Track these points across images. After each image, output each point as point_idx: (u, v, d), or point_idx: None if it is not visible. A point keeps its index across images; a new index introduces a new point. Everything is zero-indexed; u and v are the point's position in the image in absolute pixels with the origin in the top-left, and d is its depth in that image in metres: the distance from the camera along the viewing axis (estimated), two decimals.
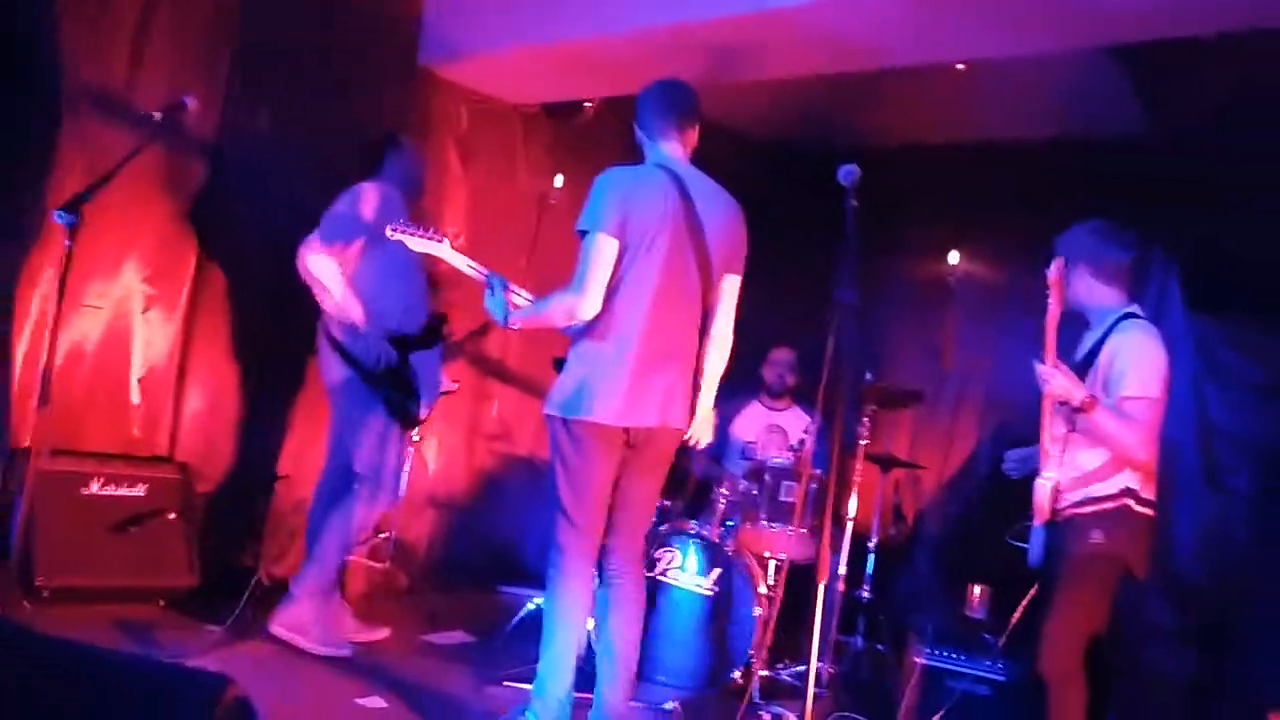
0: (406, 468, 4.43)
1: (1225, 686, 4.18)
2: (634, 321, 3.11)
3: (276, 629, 3.90)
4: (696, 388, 3.28)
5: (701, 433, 3.35)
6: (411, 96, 5.17)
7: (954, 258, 6.17)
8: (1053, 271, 3.23)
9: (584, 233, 3.11)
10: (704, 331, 3.27)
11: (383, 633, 4.29)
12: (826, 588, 4.46)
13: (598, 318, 3.12)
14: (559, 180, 5.79)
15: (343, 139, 4.77)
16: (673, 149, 3.28)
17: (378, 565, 5.10)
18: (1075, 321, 3.48)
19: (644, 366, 3.12)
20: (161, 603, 4.14)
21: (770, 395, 5.27)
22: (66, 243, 3.17)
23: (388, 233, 3.59)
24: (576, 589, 3.20)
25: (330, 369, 4.05)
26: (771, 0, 4.03)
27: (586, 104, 5.70)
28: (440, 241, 3.62)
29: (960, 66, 4.52)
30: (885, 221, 2.89)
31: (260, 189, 4.54)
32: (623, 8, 4.53)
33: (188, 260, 4.47)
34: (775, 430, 5.19)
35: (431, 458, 5.47)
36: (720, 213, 3.25)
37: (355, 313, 3.94)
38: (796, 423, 5.22)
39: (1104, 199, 5.49)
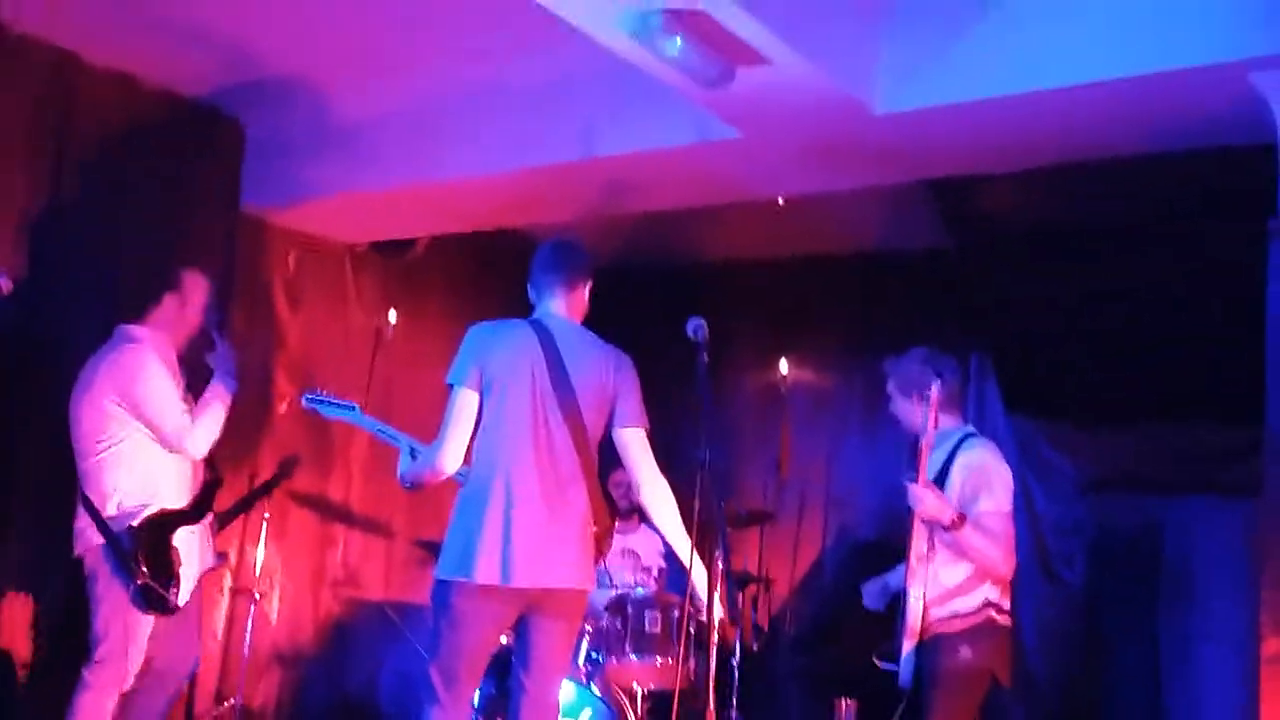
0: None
1: None
2: (506, 473, 3.06)
3: None
4: (596, 548, 3.23)
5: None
6: (235, 243, 5.05)
7: (784, 366, 6.39)
8: (934, 393, 3.34)
9: (449, 386, 3.14)
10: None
11: None
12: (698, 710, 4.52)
13: (471, 475, 3.10)
14: (393, 316, 5.74)
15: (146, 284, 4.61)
16: (555, 305, 3.29)
17: None
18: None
19: (526, 521, 3.04)
20: None
21: (620, 518, 5.27)
22: None
23: (303, 403, 3.49)
24: None
25: (82, 536, 3.71)
26: (594, 149, 4.18)
27: (416, 241, 5.70)
28: (352, 408, 3.58)
29: (780, 200, 4.76)
30: (714, 335, 2.99)
31: (72, 343, 4.28)
32: (442, 156, 4.60)
33: None
34: (628, 554, 5.20)
35: (274, 610, 5.22)
36: (593, 366, 3.22)
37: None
38: (648, 543, 5.24)
39: (918, 308, 5.87)
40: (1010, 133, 3.67)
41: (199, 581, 3.89)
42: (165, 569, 3.70)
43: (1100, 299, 4.91)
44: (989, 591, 3.33)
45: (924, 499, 3.27)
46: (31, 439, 4.23)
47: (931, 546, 3.34)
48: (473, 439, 3.13)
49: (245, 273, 5.14)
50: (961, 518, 3.23)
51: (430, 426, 3.31)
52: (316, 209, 5.11)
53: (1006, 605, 3.37)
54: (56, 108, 4.39)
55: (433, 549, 3.26)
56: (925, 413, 3.31)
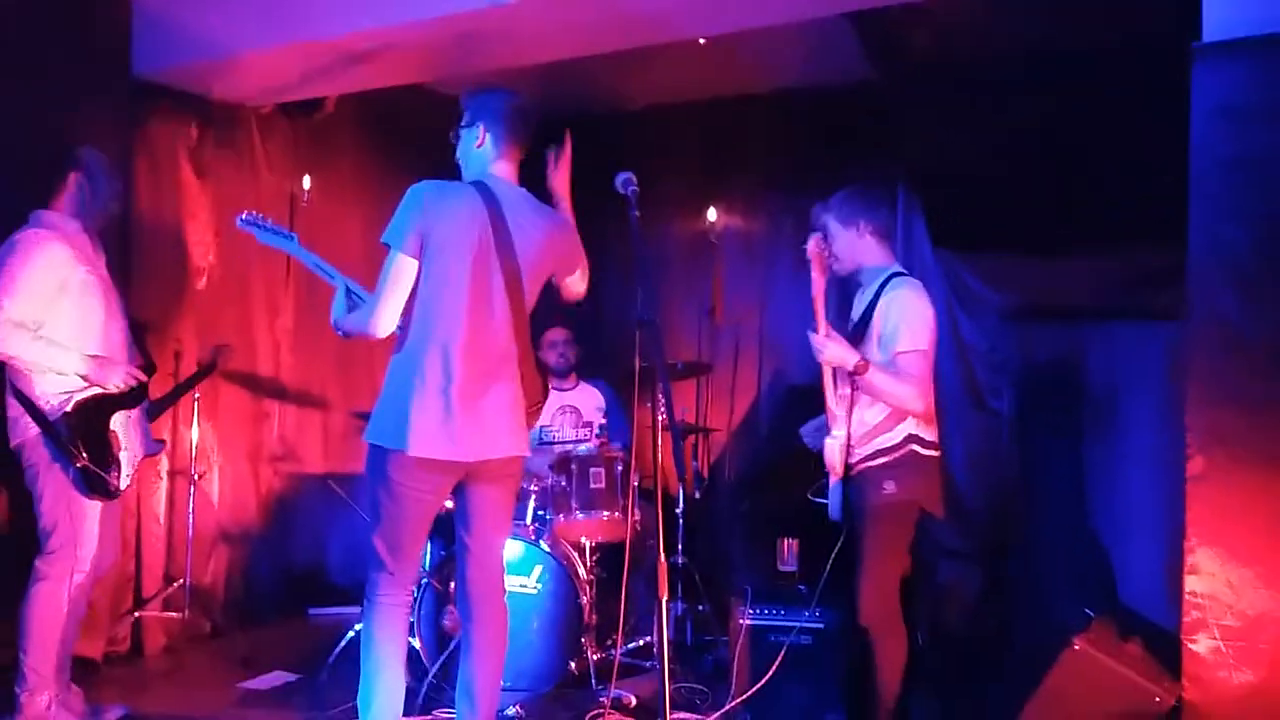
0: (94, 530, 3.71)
1: (1009, 596, 4.57)
2: (443, 345, 3.00)
3: None
4: (528, 409, 3.21)
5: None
6: (128, 110, 4.77)
7: (712, 214, 6.33)
8: (811, 246, 3.42)
9: (386, 246, 3.02)
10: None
11: (118, 712, 3.89)
12: (647, 558, 4.63)
13: (406, 342, 3.03)
14: (307, 181, 5.56)
15: (52, 168, 4.37)
16: (500, 167, 3.18)
17: (175, 615, 4.82)
18: (849, 282, 3.68)
19: (463, 395, 3.01)
20: None
21: (557, 376, 5.27)
22: None
23: (237, 223, 3.38)
24: (390, 630, 3.11)
25: (16, 426, 3.62)
26: None
27: (324, 101, 5.46)
28: (290, 237, 3.45)
29: (701, 41, 4.60)
30: (642, 183, 2.92)
31: None
32: (349, 9, 4.34)
33: None
34: (568, 410, 5.21)
35: (215, 491, 5.17)
36: (538, 235, 3.16)
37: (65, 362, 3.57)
38: (587, 399, 5.26)
39: (841, 143, 5.82)
40: None
41: (136, 467, 3.81)
42: (104, 452, 3.63)
43: (1024, 127, 4.89)
44: (911, 426, 3.38)
45: (824, 348, 3.34)
46: None
47: (853, 388, 3.39)
48: (409, 300, 3.04)
49: (146, 145, 4.88)
50: (865, 363, 3.28)
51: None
52: (214, 70, 4.82)
53: (930, 437, 3.42)
54: None
55: (368, 419, 3.19)
56: (817, 267, 3.39)
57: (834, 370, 3.45)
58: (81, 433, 3.57)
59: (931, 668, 3.86)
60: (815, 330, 3.38)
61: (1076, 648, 3.20)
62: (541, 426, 5.15)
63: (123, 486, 3.72)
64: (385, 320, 3.01)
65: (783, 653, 3.82)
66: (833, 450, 3.45)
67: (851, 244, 3.50)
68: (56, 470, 3.58)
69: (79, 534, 3.62)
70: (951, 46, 4.85)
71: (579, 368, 5.32)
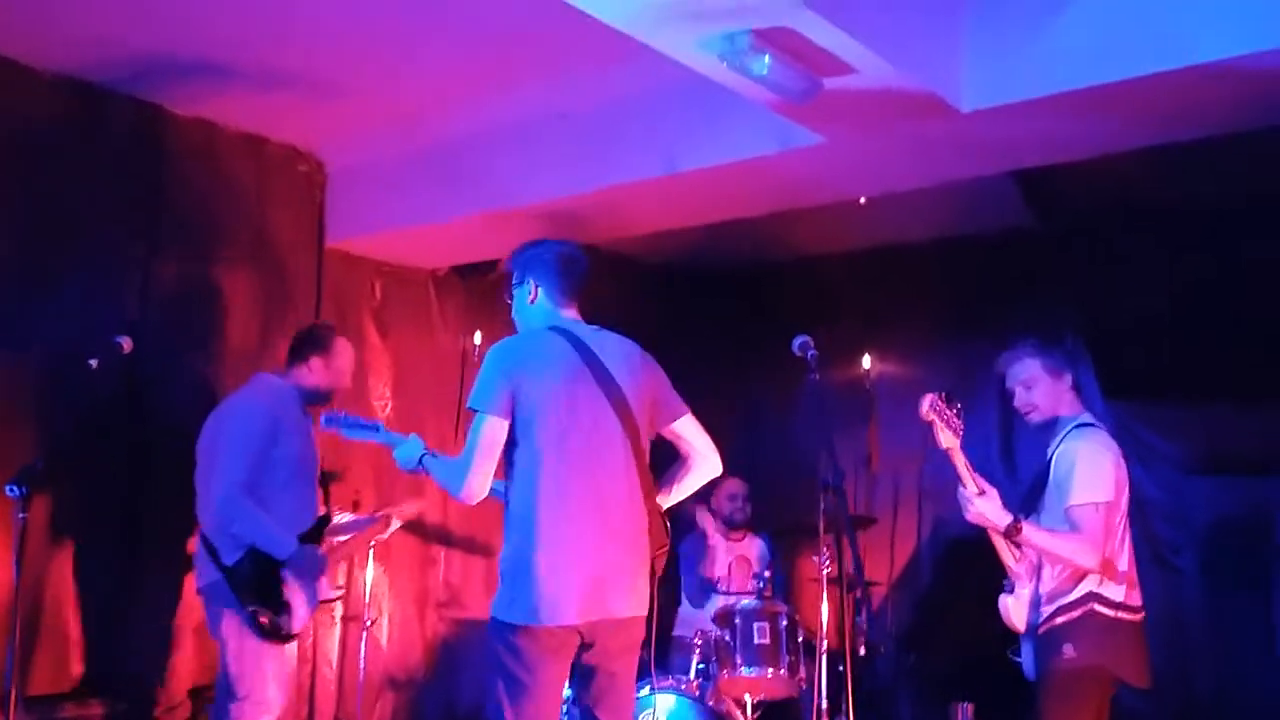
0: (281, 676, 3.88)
1: None
2: (573, 510, 2.89)
3: None
4: (653, 570, 3.06)
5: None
6: (319, 273, 5.16)
7: (867, 361, 6.35)
8: (925, 410, 3.20)
9: (473, 411, 2.93)
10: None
11: None
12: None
13: (529, 511, 2.89)
14: (478, 337, 5.82)
15: (253, 333, 4.79)
16: (568, 312, 3.14)
17: None
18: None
19: (587, 553, 2.88)
20: None
21: (729, 527, 5.28)
22: (20, 515, 3.01)
23: (321, 424, 3.45)
24: None
25: (200, 570, 3.81)
26: (676, 164, 4.17)
27: (497, 262, 5.74)
28: (376, 429, 3.48)
29: (862, 200, 4.72)
30: (792, 332, 2.93)
31: (177, 388, 4.46)
32: (524, 179, 4.62)
33: (111, 477, 4.29)
34: (741, 560, 5.21)
35: (384, 635, 5.32)
36: (631, 363, 3.08)
37: (283, 545, 3.76)
38: (754, 551, 5.26)
39: (1001, 291, 5.79)
40: (1099, 120, 3.61)
41: (313, 613, 3.96)
42: (275, 597, 3.76)
43: (1197, 274, 4.81)
44: (1092, 584, 3.20)
45: (971, 506, 3.17)
46: (151, 489, 4.35)
47: (1015, 545, 3.27)
48: (510, 459, 2.94)
49: (333, 304, 5.24)
50: (1017, 525, 3.13)
51: None
52: (400, 238, 5.19)
53: (1115, 597, 3.20)
54: (147, 161, 4.51)
55: None
56: (940, 427, 3.19)
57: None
58: (253, 578, 3.73)
59: None
60: (963, 487, 3.21)
61: None
62: (718, 577, 5.14)
63: (295, 630, 3.82)
64: (477, 486, 2.90)
65: None
66: (1010, 609, 3.32)
67: (1055, 393, 3.41)
68: (232, 614, 3.73)
69: (264, 678, 3.74)
70: (1117, 197, 4.83)
71: (752, 522, 5.33)
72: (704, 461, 3.19)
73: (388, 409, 5.44)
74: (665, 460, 3.23)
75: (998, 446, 6.26)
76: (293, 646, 3.92)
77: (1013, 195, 5.17)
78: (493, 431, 2.89)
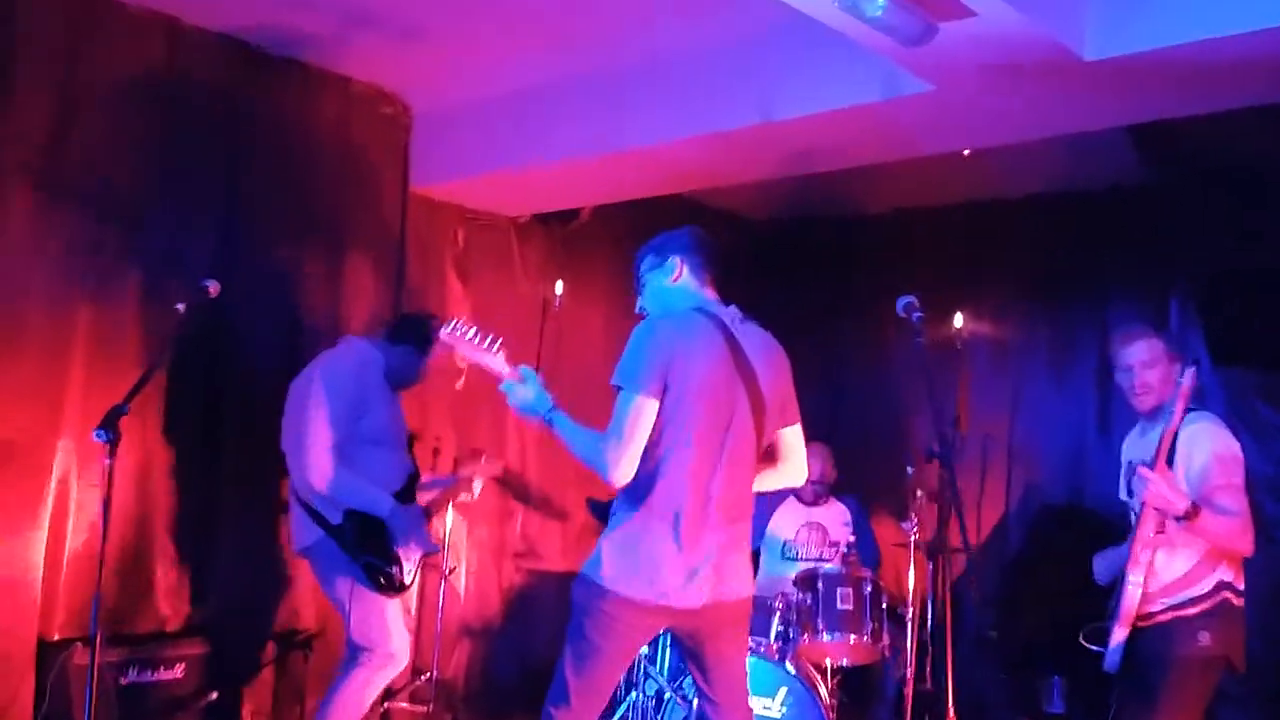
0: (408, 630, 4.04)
1: None
2: (692, 488, 2.83)
3: None
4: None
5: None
6: (403, 219, 5.10)
7: (959, 320, 6.14)
8: (1188, 380, 3.08)
9: (618, 388, 2.83)
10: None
11: None
12: (896, 686, 4.41)
13: (652, 485, 2.82)
14: (559, 286, 5.73)
15: (336, 275, 4.75)
16: (710, 293, 3.06)
17: (420, 710, 4.93)
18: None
19: (703, 538, 2.84)
20: None
21: (813, 493, 5.15)
22: (107, 460, 3.00)
23: (442, 334, 3.16)
24: None
25: (301, 531, 3.83)
26: (773, 113, 3.99)
27: (580, 210, 5.65)
28: (496, 355, 3.12)
29: (966, 152, 4.50)
30: (887, 289, 2.77)
31: (259, 331, 4.44)
32: (612, 127, 4.49)
33: (194, 420, 4.29)
34: (814, 527, 5.09)
35: (462, 585, 5.32)
36: (771, 359, 3.01)
37: (381, 503, 3.78)
38: (835, 516, 5.13)
39: (1103, 250, 5.54)
40: (1225, 73, 3.36)
41: (417, 565, 3.95)
42: (384, 549, 3.78)
43: None
44: (1223, 572, 3.13)
45: (1156, 485, 3.01)
46: (230, 434, 4.36)
47: (1160, 531, 3.11)
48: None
49: (416, 250, 5.18)
50: (1196, 508, 2.99)
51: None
52: (484, 184, 5.11)
53: (1241, 585, 3.17)
54: (235, 101, 4.45)
55: (599, 508, 3.01)
56: (1175, 399, 3.04)
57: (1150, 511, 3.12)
58: (361, 533, 3.73)
59: None
60: (1152, 465, 3.05)
61: None
62: (786, 541, 5.05)
63: (406, 581, 3.85)
64: (625, 468, 2.78)
65: None
66: (1133, 597, 3.14)
67: (1169, 377, 3.24)
68: (344, 571, 3.75)
69: (387, 629, 3.79)
70: (1237, 153, 4.55)
71: (835, 487, 5.21)
72: (796, 472, 3.14)
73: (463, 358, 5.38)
74: None
75: (1094, 420, 6.07)
76: (405, 598, 3.94)
77: (1120, 149, 4.90)
78: (645, 413, 2.79)
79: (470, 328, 3.13)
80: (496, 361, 3.07)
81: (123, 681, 3.82)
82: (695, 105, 4.22)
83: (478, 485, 4.49)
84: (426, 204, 5.23)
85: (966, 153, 4.55)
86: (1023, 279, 6.06)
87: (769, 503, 5.15)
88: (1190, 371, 3.07)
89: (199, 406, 4.32)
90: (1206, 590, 3.12)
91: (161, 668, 3.94)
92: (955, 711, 4.62)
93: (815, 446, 5.12)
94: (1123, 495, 3.47)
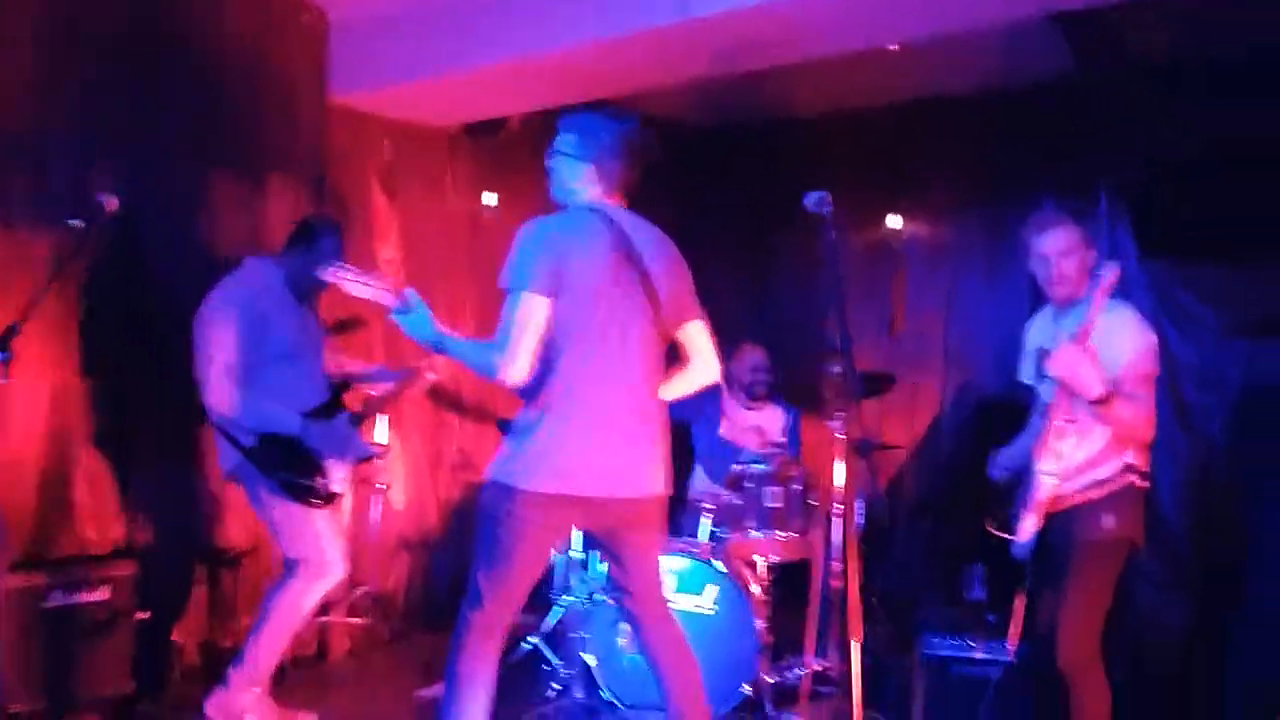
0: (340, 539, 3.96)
1: (1221, 634, 4.21)
2: (598, 386, 2.87)
3: (211, 713, 3.71)
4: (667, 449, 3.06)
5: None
6: (322, 132, 4.97)
7: (895, 220, 6.14)
8: (1110, 275, 3.03)
9: (509, 291, 2.83)
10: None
11: (308, 718, 3.99)
12: (823, 583, 4.47)
13: (549, 384, 2.85)
14: (490, 199, 5.66)
15: (256, 194, 4.64)
16: (612, 195, 3.02)
17: (357, 621, 4.96)
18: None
19: (606, 433, 2.88)
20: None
21: (749, 397, 5.17)
22: (2, 380, 2.94)
23: (325, 276, 3.19)
24: (479, 671, 2.94)
25: (223, 456, 3.82)
26: (689, 9, 3.91)
27: (508, 120, 5.54)
28: (380, 287, 3.17)
29: (894, 47, 4.44)
30: (818, 189, 2.74)
31: (176, 254, 4.35)
32: (533, 29, 4.39)
33: (114, 343, 4.22)
34: (753, 430, 5.11)
35: (397, 499, 5.32)
36: (665, 256, 3.03)
37: (288, 422, 3.74)
38: (773, 421, 5.16)
39: (1037, 147, 5.53)
40: None
41: (349, 474, 3.94)
42: (304, 464, 3.76)
43: (1246, 127, 4.53)
44: (1129, 456, 3.17)
45: (1078, 364, 2.99)
46: (151, 359, 4.27)
47: (1070, 420, 3.12)
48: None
49: (340, 165, 5.07)
50: (1110, 394, 3.00)
51: None
52: (407, 94, 4.99)
53: (1146, 468, 3.21)
54: (141, 14, 4.30)
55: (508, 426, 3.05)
56: (1094, 292, 3.00)
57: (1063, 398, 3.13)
58: (276, 452, 3.72)
59: (1134, 710, 3.58)
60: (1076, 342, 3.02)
61: None
62: (725, 442, 5.08)
63: (335, 490, 3.84)
64: (517, 365, 2.78)
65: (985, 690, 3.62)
66: (1047, 488, 3.15)
67: (1085, 266, 3.22)
68: (268, 487, 3.75)
69: (316, 540, 3.78)
70: (1168, 44, 4.51)
71: (773, 391, 5.22)
72: (704, 368, 3.16)
73: (399, 274, 5.31)
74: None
75: (1028, 319, 6.06)
76: (340, 509, 3.91)
77: (1051, 44, 4.85)
78: (536, 310, 2.80)
79: (350, 267, 3.15)
80: (382, 295, 3.09)
81: (47, 605, 3.79)
82: (614, 3, 4.13)
83: (431, 378, 4.43)
84: (349, 116, 5.11)
85: (894, 48, 4.48)
86: (956, 179, 6.05)
87: (708, 406, 5.15)
88: (1112, 267, 3.02)
89: (119, 329, 4.24)
90: (1112, 474, 3.16)
91: (87, 590, 3.90)
92: (877, 600, 4.78)
93: (754, 351, 5.16)
94: (1026, 379, 3.50)
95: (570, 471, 2.85)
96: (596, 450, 2.88)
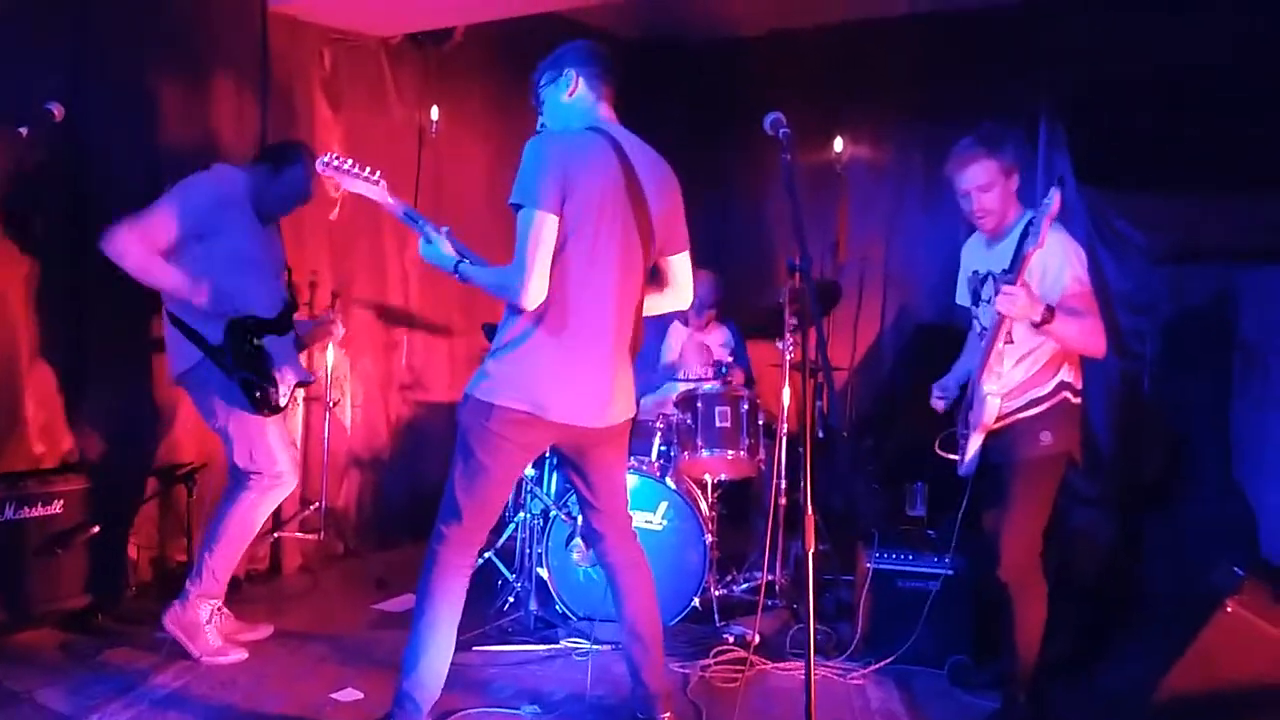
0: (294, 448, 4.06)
1: (1145, 546, 4.44)
2: (588, 311, 2.88)
3: (169, 625, 3.75)
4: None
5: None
6: (262, 42, 4.83)
7: (838, 144, 6.18)
8: (1054, 202, 2.97)
9: (518, 207, 2.81)
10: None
11: (266, 630, 4.06)
12: (770, 499, 4.60)
13: (546, 303, 2.84)
14: (435, 112, 5.58)
15: (193, 103, 4.51)
16: (605, 111, 3.02)
17: (311, 537, 4.99)
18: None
19: (599, 362, 2.93)
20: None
21: (695, 315, 5.22)
22: None
23: (318, 167, 3.21)
24: (452, 585, 2.99)
25: (177, 354, 3.76)
26: None
27: (453, 31, 5.44)
28: (378, 184, 3.24)
29: None
30: (761, 112, 2.77)
31: (115, 159, 4.22)
32: None
33: (58, 253, 4.11)
34: (700, 348, 5.18)
35: (348, 417, 5.32)
36: (663, 183, 3.02)
37: (195, 294, 3.68)
38: (717, 339, 5.23)
39: (977, 70, 5.58)
40: None
41: (292, 391, 3.92)
42: (262, 369, 3.75)
43: (1181, 58, 4.64)
44: (1064, 373, 3.28)
45: (1018, 298, 3.02)
46: (96, 270, 4.17)
47: (1009, 341, 3.20)
48: None
49: (282, 74, 4.94)
50: (1051, 312, 3.07)
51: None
52: (347, 0, 4.84)
53: (1079, 385, 3.31)
54: None
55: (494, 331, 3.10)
56: (1039, 221, 2.96)
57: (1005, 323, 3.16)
58: (240, 352, 3.70)
59: (1062, 618, 3.79)
60: (1012, 281, 3.02)
61: (1230, 610, 3.09)
62: (670, 362, 5.15)
63: (280, 404, 3.82)
64: (537, 286, 2.78)
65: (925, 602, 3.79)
66: (992, 407, 3.24)
67: (1008, 195, 3.29)
68: (222, 394, 3.72)
69: (270, 449, 3.79)
70: None
71: (719, 311, 5.28)
72: (677, 298, 3.22)
73: (339, 188, 5.23)
74: None
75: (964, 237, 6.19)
76: (288, 427, 3.87)
77: None
78: (547, 228, 2.78)
79: (347, 159, 3.16)
80: (378, 191, 3.12)
81: None
82: None
83: (339, 331, 4.43)
84: (289, 24, 4.96)
85: None
86: (900, 100, 6.09)
87: (657, 326, 5.22)
88: (1055, 193, 3.00)
89: (62, 239, 4.12)
90: (1048, 391, 3.26)
91: (39, 504, 3.86)
92: (821, 517, 4.91)
93: (701, 273, 5.18)
94: (963, 301, 3.59)
95: (547, 397, 2.87)
96: (577, 378, 2.90)
